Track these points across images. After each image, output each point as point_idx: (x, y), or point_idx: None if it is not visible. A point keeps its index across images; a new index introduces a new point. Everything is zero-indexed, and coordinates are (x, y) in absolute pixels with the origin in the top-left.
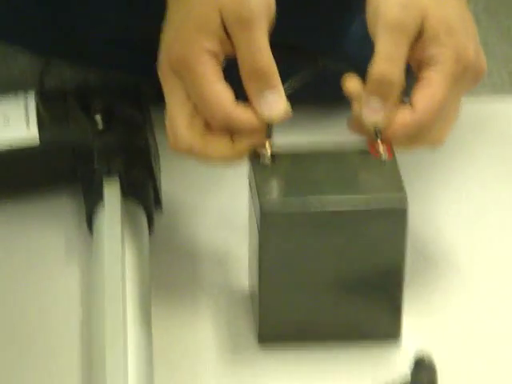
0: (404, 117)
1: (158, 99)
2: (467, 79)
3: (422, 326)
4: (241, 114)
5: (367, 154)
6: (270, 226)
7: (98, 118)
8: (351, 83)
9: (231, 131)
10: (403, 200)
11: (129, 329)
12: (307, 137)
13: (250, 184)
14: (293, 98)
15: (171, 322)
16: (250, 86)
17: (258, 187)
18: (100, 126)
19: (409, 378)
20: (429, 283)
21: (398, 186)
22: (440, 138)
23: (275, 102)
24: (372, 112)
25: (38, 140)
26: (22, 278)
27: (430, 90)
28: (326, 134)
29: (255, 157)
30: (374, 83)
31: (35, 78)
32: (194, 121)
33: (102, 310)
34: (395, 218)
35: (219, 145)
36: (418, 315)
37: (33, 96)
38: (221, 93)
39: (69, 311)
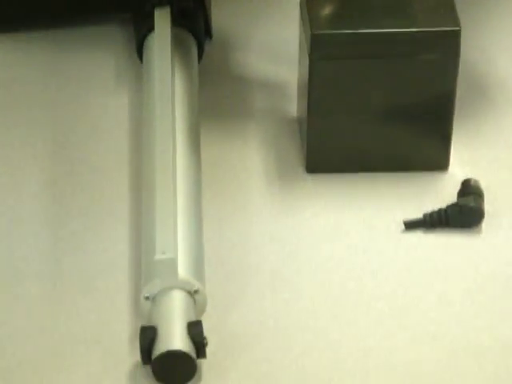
0: None
1: None
2: None
3: (470, 156)
4: None
5: None
6: (320, 48)
7: None
8: None
9: None
10: (456, 22)
11: (178, 153)
12: None
13: (301, 8)
14: None
15: (220, 148)
16: None
17: (310, 11)
18: None
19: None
20: (479, 115)
21: (451, 10)
22: None
23: None
24: None
25: None
26: (73, 104)
27: None
28: None
29: None
30: None
31: None
32: None
33: (152, 136)
34: (447, 42)
35: None
36: (467, 146)
37: None
38: None
39: (119, 137)
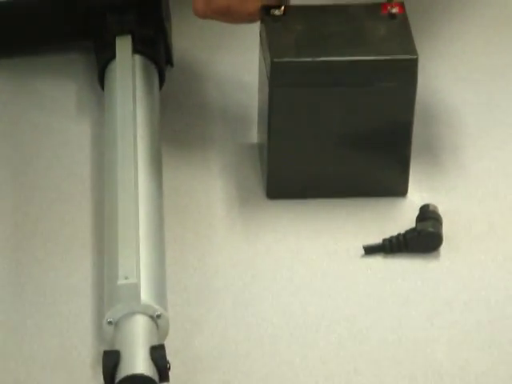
0: None
1: None
2: None
3: (428, 182)
4: None
5: (378, 9)
6: (279, 75)
7: None
8: None
9: None
10: (413, 50)
11: (140, 180)
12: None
13: (260, 36)
14: None
15: (182, 174)
16: None
17: (269, 38)
18: None
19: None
20: (436, 141)
21: (408, 38)
22: None
23: None
24: None
25: None
26: (35, 131)
27: None
28: None
29: (267, 10)
30: None
31: None
32: None
33: (114, 163)
34: (405, 70)
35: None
36: (425, 173)
37: None
38: None
39: (81, 165)
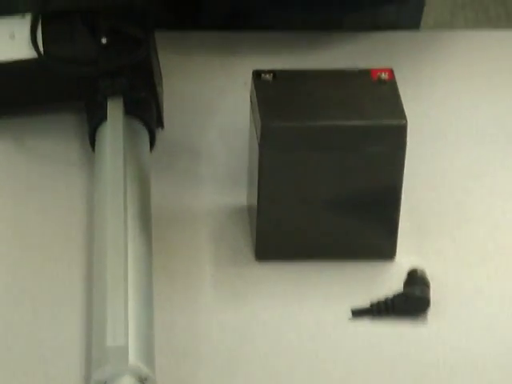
0: None
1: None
2: None
3: (417, 246)
4: None
5: (368, 75)
6: (270, 139)
7: (103, 35)
8: None
9: None
10: (403, 116)
11: (130, 242)
12: (311, 63)
13: (251, 100)
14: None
15: (171, 235)
16: None
17: (260, 103)
18: (104, 41)
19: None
20: (424, 205)
21: (397, 104)
22: None
23: None
24: None
25: (42, 56)
26: (24, 191)
27: None
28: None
29: (258, 75)
30: None
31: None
32: None
33: (103, 224)
34: (394, 136)
35: None
36: (414, 236)
37: (39, 16)
38: None
39: (71, 226)
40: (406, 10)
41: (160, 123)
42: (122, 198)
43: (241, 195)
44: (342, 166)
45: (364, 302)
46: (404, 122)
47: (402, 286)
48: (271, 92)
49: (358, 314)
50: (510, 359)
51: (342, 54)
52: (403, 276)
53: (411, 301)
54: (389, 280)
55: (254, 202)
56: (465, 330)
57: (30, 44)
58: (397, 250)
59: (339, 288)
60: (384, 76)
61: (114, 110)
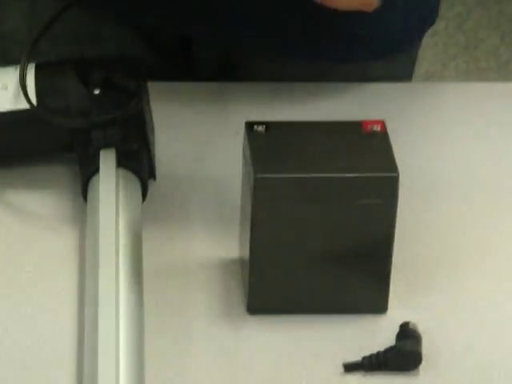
0: None
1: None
2: None
3: (409, 300)
4: None
5: (359, 127)
6: (262, 190)
7: (96, 86)
8: None
9: None
10: (394, 168)
11: (121, 294)
12: (303, 114)
13: (244, 152)
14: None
15: (162, 287)
16: None
17: (252, 155)
18: (97, 92)
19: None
20: (416, 258)
21: (389, 156)
22: None
23: None
24: None
25: (34, 107)
26: (15, 243)
27: None
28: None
29: (250, 126)
30: None
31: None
32: None
33: (95, 278)
34: (386, 188)
35: None
36: (406, 290)
37: (32, 66)
38: None
39: (63, 278)
40: (399, 63)
41: (152, 174)
42: (113, 251)
43: (233, 247)
44: (334, 218)
45: (356, 355)
46: (396, 174)
47: (394, 339)
48: (264, 144)
49: (350, 368)
50: None
51: (333, 105)
52: (395, 329)
53: (403, 355)
54: (381, 334)
55: (246, 254)
56: None
57: (22, 97)
58: (389, 304)
59: (331, 342)
60: (376, 128)
61: (107, 162)
